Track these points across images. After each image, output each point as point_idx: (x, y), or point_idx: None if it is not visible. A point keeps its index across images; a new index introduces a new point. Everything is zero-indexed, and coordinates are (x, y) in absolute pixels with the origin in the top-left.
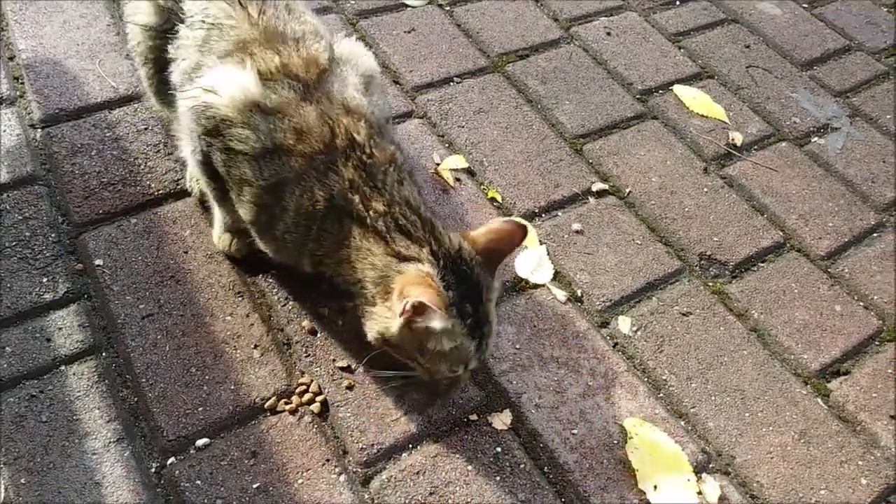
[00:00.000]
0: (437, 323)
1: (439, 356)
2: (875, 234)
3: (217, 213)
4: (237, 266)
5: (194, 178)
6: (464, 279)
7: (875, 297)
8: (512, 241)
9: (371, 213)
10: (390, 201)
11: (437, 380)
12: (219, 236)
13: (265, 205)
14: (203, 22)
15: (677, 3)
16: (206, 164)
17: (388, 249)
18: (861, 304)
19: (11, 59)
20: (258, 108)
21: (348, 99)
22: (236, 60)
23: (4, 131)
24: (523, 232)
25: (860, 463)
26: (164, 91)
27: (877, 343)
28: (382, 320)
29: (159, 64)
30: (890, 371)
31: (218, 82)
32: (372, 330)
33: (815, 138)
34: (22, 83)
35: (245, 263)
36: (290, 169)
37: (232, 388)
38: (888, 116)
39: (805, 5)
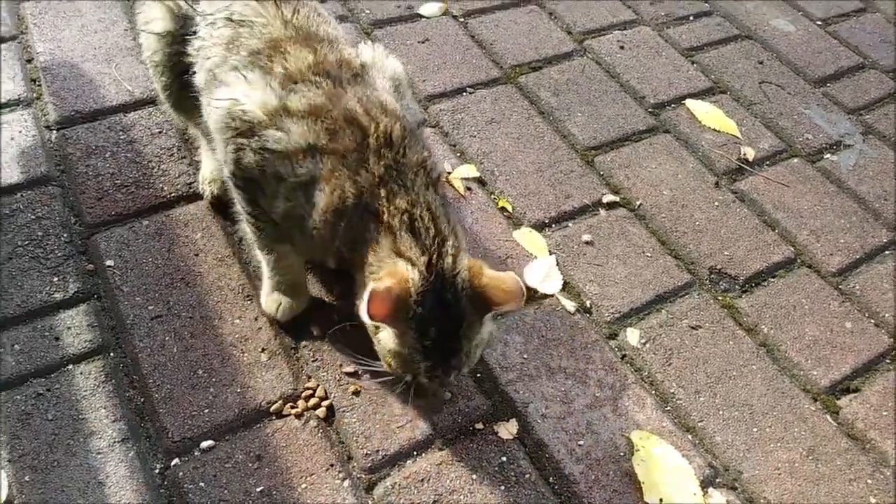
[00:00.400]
0: (365, 317)
1: (385, 351)
2: (887, 252)
3: (266, 269)
4: (283, 329)
5: (207, 181)
6: (444, 305)
7: (886, 315)
8: (507, 299)
9: (391, 208)
10: (414, 201)
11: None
12: (267, 295)
13: (298, 199)
14: (229, 20)
15: (691, 18)
16: (239, 168)
17: (393, 245)
18: (872, 321)
19: (29, 61)
20: (287, 112)
21: (382, 101)
22: (263, 62)
23: (20, 132)
24: (522, 299)
25: (869, 482)
26: (183, 98)
27: (887, 361)
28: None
29: (177, 70)
30: None
31: (242, 97)
32: (357, 306)
33: (828, 155)
34: (39, 85)
35: (291, 327)
36: (322, 166)
37: (238, 391)
38: None
39: (819, 23)
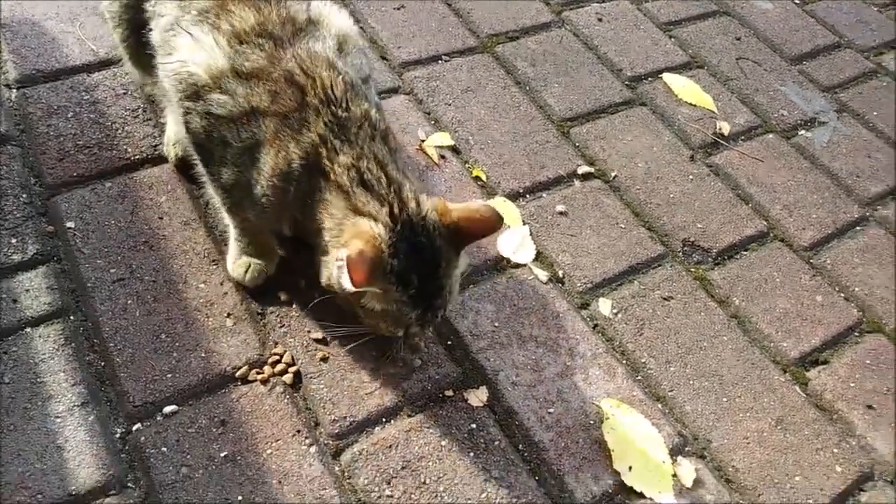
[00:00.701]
0: (347, 284)
1: (375, 314)
2: (858, 228)
3: (233, 232)
4: (249, 295)
5: (171, 143)
6: (418, 249)
7: (856, 289)
8: (486, 227)
9: (336, 166)
10: (359, 155)
11: (389, 337)
12: (233, 261)
13: (244, 165)
14: None
15: None
16: (189, 132)
17: (348, 203)
18: (842, 295)
19: None
20: (235, 74)
21: (323, 57)
22: (212, 20)
23: None
24: (500, 223)
25: (835, 451)
26: (141, 54)
27: (856, 334)
28: (330, 268)
29: (133, 25)
30: (868, 362)
31: (189, 57)
32: (323, 276)
33: (802, 131)
34: None
35: (258, 293)
36: (265, 129)
37: (203, 355)
38: (875, 113)
39: (797, 1)
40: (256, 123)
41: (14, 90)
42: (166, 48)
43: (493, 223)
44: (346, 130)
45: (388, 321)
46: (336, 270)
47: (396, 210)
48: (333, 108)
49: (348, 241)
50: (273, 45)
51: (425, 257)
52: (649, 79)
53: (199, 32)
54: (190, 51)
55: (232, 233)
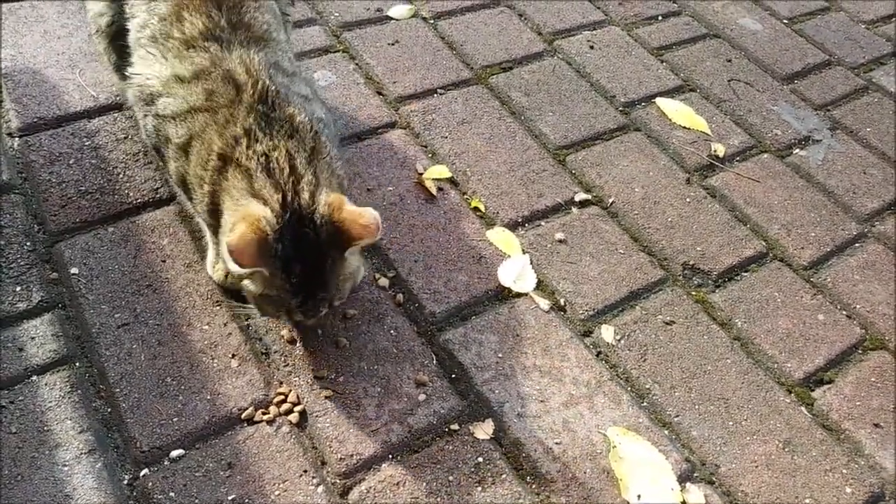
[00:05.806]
0: (234, 267)
1: (257, 297)
2: (857, 244)
3: (209, 241)
4: (232, 298)
5: (213, 265)
6: (303, 239)
7: (858, 307)
8: (363, 234)
9: (250, 151)
10: (273, 146)
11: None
12: (212, 264)
13: (181, 160)
14: None
15: (659, 18)
16: (146, 134)
17: (249, 186)
18: (844, 312)
19: None
20: (177, 79)
21: (269, 62)
22: (167, 28)
23: None
24: (375, 233)
25: (844, 471)
26: (122, 63)
27: (860, 352)
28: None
29: (112, 31)
30: (873, 379)
31: (146, 71)
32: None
33: (797, 150)
34: (0, 92)
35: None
36: (196, 124)
37: (208, 398)
38: (868, 129)
39: (785, 21)
40: (191, 119)
41: (16, 138)
42: (132, 58)
43: (371, 231)
44: (269, 125)
45: (268, 304)
46: (224, 252)
47: (289, 199)
48: (265, 108)
49: (236, 222)
50: (219, 48)
51: (310, 247)
52: (643, 104)
53: (154, 48)
54: (147, 65)
55: (208, 237)
